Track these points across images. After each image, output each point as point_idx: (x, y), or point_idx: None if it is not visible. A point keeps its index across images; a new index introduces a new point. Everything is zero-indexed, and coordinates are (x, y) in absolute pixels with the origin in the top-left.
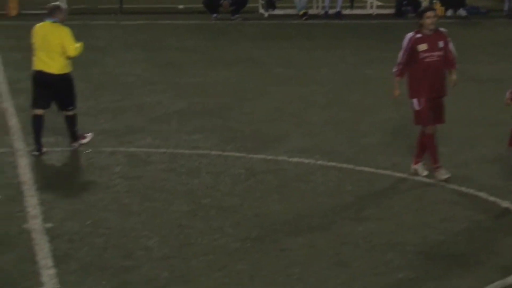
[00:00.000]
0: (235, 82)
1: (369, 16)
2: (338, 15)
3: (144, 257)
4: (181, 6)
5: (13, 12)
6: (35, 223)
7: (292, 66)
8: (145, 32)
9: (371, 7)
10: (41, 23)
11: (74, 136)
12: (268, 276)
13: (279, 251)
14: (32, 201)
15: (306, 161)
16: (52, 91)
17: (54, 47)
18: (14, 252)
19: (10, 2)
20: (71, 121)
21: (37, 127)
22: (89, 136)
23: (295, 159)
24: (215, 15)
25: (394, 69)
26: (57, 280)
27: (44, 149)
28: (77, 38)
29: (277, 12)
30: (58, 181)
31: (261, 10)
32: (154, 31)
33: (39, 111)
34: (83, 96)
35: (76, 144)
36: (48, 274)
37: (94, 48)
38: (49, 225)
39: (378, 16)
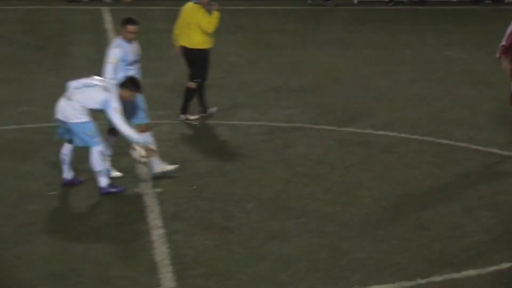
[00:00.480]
0: (327, 61)
1: (449, 3)
2: (421, 2)
3: (243, 219)
4: None
5: None
6: (146, 188)
7: (378, 47)
8: (247, 16)
9: None
10: (187, 3)
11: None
12: (356, 237)
13: (365, 215)
14: (143, 167)
15: (391, 134)
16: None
17: (191, 25)
18: (129, 213)
19: None
20: (186, 93)
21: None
22: (195, 116)
23: (380, 132)
24: (309, 1)
25: (498, 51)
26: (165, 239)
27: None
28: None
29: None
30: (167, 150)
31: None
32: (254, 15)
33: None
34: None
35: (182, 117)
36: (157, 233)
37: None
38: (158, 189)
39: (458, 3)
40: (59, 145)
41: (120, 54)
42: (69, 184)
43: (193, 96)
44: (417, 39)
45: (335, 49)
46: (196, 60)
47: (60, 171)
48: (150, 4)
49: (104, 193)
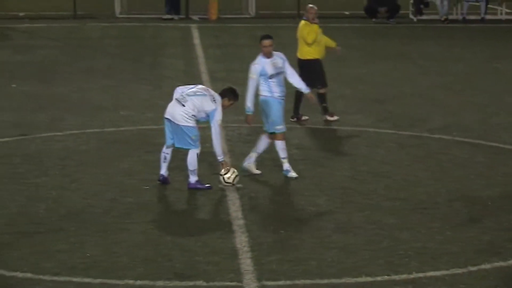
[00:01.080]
0: (388, 73)
1: (499, 21)
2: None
3: (313, 212)
4: (347, 12)
5: (213, 16)
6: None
7: (434, 60)
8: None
9: (501, 13)
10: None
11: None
12: (414, 228)
13: (422, 209)
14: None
15: (445, 137)
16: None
17: (300, 38)
18: (212, 205)
19: (211, 8)
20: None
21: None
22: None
23: (436, 135)
24: (374, 19)
25: None
26: (245, 229)
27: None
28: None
29: (424, 17)
30: (247, 150)
31: (411, 16)
32: (325, 32)
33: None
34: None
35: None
36: (238, 224)
37: (277, 45)
38: (239, 185)
39: (507, 21)
40: (153, 145)
41: (259, 70)
42: (164, 181)
43: (324, 99)
44: (469, 53)
45: (396, 62)
46: (305, 69)
47: (153, 168)
48: (232, 21)
49: (192, 188)
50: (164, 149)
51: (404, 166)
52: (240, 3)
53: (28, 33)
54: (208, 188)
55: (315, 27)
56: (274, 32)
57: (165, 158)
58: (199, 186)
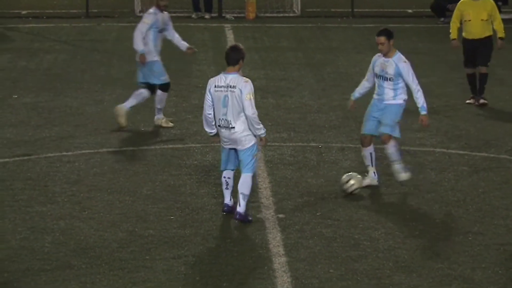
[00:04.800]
0: (459, 83)
1: None
2: None
3: (370, 248)
4: (410, 11)
5: (251, 14)
6: (268, 213)
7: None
8: (374, 33)
9: None
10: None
11: (481, 91)
12: (489, 268)
13: (499, 245)
14: (265, 193)
15: None
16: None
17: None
18: (249, 239)
19: (248, 6)
20: (482, 77)
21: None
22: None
23: None
24: (442, 18)
25: None
26: (287, 268)
27: None
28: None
29: (502, 16)
30: (289, 174)
31: None
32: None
33: (468, 70)
34: (315, 94)
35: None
36: (279, 261)
37: (327, 49)
38: (281, 215)
39: None
40: (179, 167)
41: (371, 67)
42: (229, 211)
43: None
44: None
45: None
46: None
47: (179, 195)
48: (273, 21)
49: (239, 219)
50: (226, 174)
51: (478, 194)
52: (283, 0)
53: (33, 34)
54: (250, 221)
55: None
56: (323, 34)
57: (227, 184)
58: (249, 218)
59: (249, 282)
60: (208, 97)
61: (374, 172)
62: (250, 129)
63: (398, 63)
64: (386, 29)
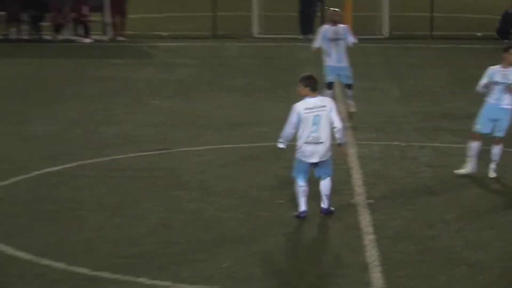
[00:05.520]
0: None
1: None
2: None
3: (443, 229)
4: (479, 34)
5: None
6: (360, 199)
7: None
8: (450, 54)
9: None
10: None
11: None
12: None
13: None
14: (358, 182)
15: None
16: None
17: None
18: (343, 220)
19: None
20: None
21: None
22: None
23: None
24: (506, 41)
25: None
26: (375, 244)
27: None
28: (396, 56)
29: None
30: (377, 167)
31: None
32: (457, 53)
33: None
34: (399, 102)
35: None
36: (368, 238)
37: (409, 65)
38: (370, 201)
39: None
40: (286, 161)
41: (487, 80)
42: (303, 216)
43: None
44: None
45: None
46: None
47: (286, 183)
48: (365, 41)
49: (326, 213)
50: (300, 182)
51: None
52: (374, 24)
53: (170, 51)
54: (333, 211)
55: None
56: (406, 53)
57: (304, 192)
58: (331, 210)
59: (343, 255)
60: (294, 119)
61: (473, 164)
62: (333, 140)
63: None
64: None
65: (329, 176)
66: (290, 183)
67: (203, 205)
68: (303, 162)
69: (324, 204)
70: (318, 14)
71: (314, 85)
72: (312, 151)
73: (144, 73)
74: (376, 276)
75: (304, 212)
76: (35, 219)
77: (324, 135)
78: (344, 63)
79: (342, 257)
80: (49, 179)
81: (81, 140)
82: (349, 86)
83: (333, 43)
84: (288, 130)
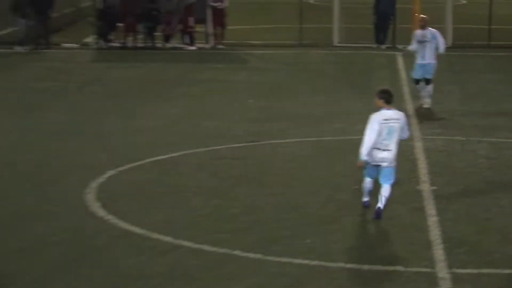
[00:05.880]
0: None
1: None
2: None
3: (499, 212)
4: None
5: None
6: (425, 186)
7: None
8: (506, 61)
9: None
10: None
11: None
12: None
13: None
14: (423, 171)
15: None
16: None
17: None
18: (408, 205)
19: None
20: None
21: None
22: None
23: None
24: None
25: None
26: (438, 224)
27: None
28: (458, 63)
29: None
30: (441, 158)
31: None
32: None
33: None
34: (460, 102)
35: None
36: (432, 220)
37: (470, 70)
38: (434, 187)
39: None
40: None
41: None
42: (366, 205)
43: None
44: None
45: None
46: None
47: (359, 172)
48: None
49: (378, 214)
50: (369, 182)
51: None
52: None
53: (262, 58)
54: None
55: None
56: (467, 60)
57: (370, 189)
58: (381, 212)
59: (410, 233)
60: (376, 127)
61: None
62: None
63: None
64: None
65: (390, 183)
66: (361, 170)
67: (289, 189)
68: (371, 165)
69: (381, 204)
70: (391, 26)
71: (388, 98)
72: (379, 156)
73: (240, 76)
74: (439, 252)
75: (367, 201)
76: (147, 199)
77: (393, 143)
78: (430, 60)
79: (409, 236)
80: (159, 165)
81: (186, 133)
82: (427, 82)
83: (421, 45)
84: (372, 137)
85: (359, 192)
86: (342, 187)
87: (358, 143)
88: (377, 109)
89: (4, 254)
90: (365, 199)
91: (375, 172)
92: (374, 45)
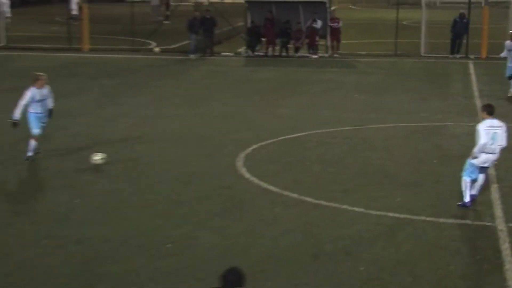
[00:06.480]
0: None
1: None
2: None
3: None
4: None
5: (484, 55)
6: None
7: None
8: None
9: None
10: None
11: None
12: None
13: None
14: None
15: None
16: None
17: None
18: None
19: (482, 50)
20: None
21: None
22: None
23: None
24: None
25: None
26: (498, 190)
27: None
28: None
29: None
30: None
31: None
32: None
33: None
34: (500, 104)
35: None
36: (493, 186)
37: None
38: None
39: None
40: (439, 135)
41: None
42: (468, 205)
43: None
44: None
45: None
46: None
47: (441, 150)
48: (495, 58)
49: (471, 199)
50: (468, 180)
51: None
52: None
53: (366, 64)
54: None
55: None
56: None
57: (470, 186)
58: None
59: (477, 198)
60: (484, 133)
61: None
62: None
63: None
64: None
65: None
66: (440, 149)
67: (386, 161)
68: (476, 166)
69: (475, 191)
70: (464, 41)
71: (489, 110)
72: (486, 159)
73: (350, 78)
74: (498, 210)
75: (469, 202)
76: (280, 166)
77: (497, 147)
78: None
79: (476, 199)
80: (289, 142)
81: (309, 120)
82: (510, 78)
83: (510, 53)
84: (485, 143)
85: (437, 163)
86: (425, 160)
87: (438, 128)
88: (480, 120)
89: (179, 202)
90: (466, 199)
91: (477, 174)
92: (450, 55)
